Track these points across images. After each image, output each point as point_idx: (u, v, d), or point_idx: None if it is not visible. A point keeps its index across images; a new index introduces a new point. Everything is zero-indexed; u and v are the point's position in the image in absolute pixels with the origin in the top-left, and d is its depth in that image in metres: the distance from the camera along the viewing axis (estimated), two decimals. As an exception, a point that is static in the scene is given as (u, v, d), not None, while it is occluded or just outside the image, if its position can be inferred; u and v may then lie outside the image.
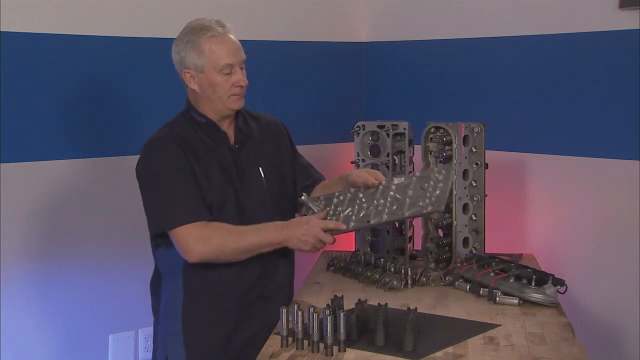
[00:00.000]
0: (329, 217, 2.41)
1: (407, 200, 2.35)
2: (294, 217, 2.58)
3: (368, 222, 2.35)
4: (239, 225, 2.38)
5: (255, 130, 2.56)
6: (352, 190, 2.48)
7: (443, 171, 2.41)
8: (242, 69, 2.44)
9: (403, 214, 2.33)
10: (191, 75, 2.44)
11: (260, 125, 2.59)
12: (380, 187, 2.44)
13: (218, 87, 2.41)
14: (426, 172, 2.46)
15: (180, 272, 2.41)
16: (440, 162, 2.99)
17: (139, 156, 2.42)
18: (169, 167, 2.37)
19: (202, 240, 2.32)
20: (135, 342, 3.22)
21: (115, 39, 3.08)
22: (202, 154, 2.42)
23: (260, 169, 2.51)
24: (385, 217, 2.34)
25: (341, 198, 2.46)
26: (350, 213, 2.40)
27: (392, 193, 2.40)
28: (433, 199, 2.32)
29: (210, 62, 2.40)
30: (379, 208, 2.37)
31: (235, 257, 2.37)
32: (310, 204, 2.47)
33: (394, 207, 2.35)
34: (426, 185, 2.38)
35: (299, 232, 2.34)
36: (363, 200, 2.42)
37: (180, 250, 2.35)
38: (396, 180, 2.45)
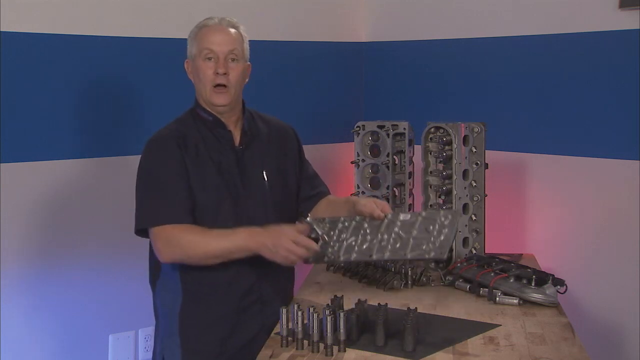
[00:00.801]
0: (332, 243, 2.39)
1: (411, 240, 2.36)
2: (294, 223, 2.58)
3: (370, 256, 2.36)
4: (213, 229, 2.33)
5: (264, 132, 2.53)
6: (357, 218, 2.46)
7: (449, 216, 2.39)
8: (232, 60, 2.39)
9: (405, 255, 2.34)
10: (189, 65, 2.45)
11: (270, 128, 2.56)
12: (386, 220, 2.43)
13: (201, 74, 2.39)
14: (432, 213, 2.44)
15: (178, 272, 2.41)
16: (440, 162, 2.99)
17: (139, 156, 2.43)
18: (161, 166, 2.37)
19: (169, 242, 2.31)
20: (135, 342, 3.22)
21: (115, 39, 3.08)
22: (202, 154, 2.40)
23: (264, 172, 2.48)
24: (387, 254, 2.35)
25: (346, 224, 2.45)
26: (354, 243, 2.40)
27: (396, 229, 2.40)
28: (437, 244, 2.32)
29: (197, 47, 2.40)
30: (382, 244, 2.38)
31: (206, 261, 2.33)
32: (314, 226, 2.45)
33: (397, 246, 2.36)
34: (431, 227, 2.37)
35: (269, 241, 2.28)
36: (367, 231, 2.42)
37: (154, 250, 2.36)
38: (402, 216, 2.44)
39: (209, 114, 2.44)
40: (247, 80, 2.49)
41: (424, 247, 2.33)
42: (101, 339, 3.15)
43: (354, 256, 2.37)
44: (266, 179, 2.48)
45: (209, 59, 2.39)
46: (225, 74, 2.38)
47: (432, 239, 2.34)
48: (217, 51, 2.38)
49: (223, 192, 2.40)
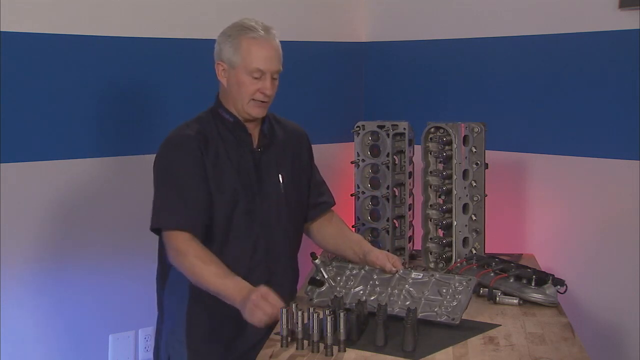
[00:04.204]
0: (338, 288, 2.41)
1: (423, 300, 2.33)
2: (302, 228, 2.59)
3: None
4: (215, 261, 2.31)
5: (280, 135, 2.54)
6: (366, 268, 2.46)
7: (464, 282, 2.36)
8: (274, 79, 2.41)
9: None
10: (223, 69, 2.43)
11: (285, 131, 2.57)
12: (397, 275, 2.42)
13: (243, 88, 2.39)
14: (447, 277, 2.41)
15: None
16: (440, 162, 2.99)
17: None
18: (182, 168, 2.37)
19: (177, 253, 2.32)
20: (135, 342, 3.22)
21: (115, 39, 3.08)
22: (221, 155, 2.40)
23: (279, 175, 2.49)
24: (396, 310, 2.31)
25: (354, 272, 2.45)
26: (361, 292, 2.39)
27: (407, 286, 2.38)
28: (449, 309, 2.29)
29: (243, 62, 2.38)
30: (392, 298, 2.36)
31: (197, 285, 2.33)
32: (321, 268, 2.44)
33: (407, 303, 2.33)
34: (444, 290, 2.35)
35: (241, 302, 2.20)
36: (376, 282, 2.42)
37: (166, 250, 2.37)
38: (414, 274, 2.42)
39: (231, 115, 2.45)
40: None
41: (435, 309, 2.29)
42: (101, 339, 3.15)
43: None
44: (281, 182, 2.49)
45: (256, 78, 2.39)
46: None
47: (444, 302, 2.31)
48: (265, 70, 2.38)
49: (239, 194, 2.41)
